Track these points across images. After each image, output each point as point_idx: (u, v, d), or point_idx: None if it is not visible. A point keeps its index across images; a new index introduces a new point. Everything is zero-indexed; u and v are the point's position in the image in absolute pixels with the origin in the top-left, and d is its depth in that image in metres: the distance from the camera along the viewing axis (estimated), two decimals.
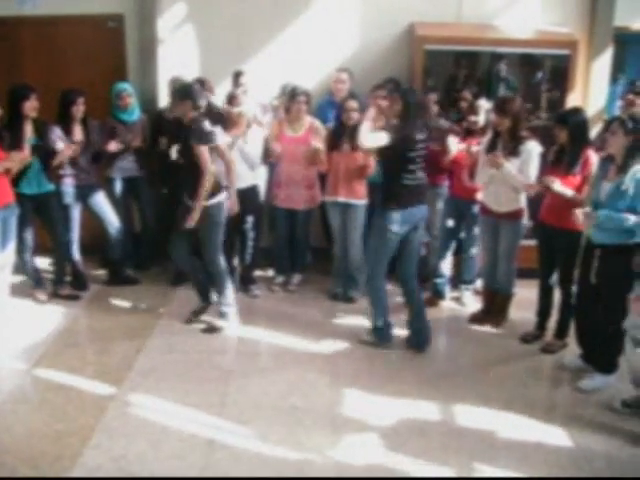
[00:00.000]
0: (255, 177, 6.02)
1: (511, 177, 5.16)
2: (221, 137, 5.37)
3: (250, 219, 6.05)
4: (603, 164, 4.64)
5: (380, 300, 5.30)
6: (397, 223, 5.00)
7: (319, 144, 5.76)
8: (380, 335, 5.32)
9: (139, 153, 6.25)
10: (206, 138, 5.19)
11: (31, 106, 5.47)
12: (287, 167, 6.01)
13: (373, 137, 4.90)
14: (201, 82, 6.05)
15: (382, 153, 5.05)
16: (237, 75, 6.27)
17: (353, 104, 5.63)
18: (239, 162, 5.77)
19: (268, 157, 6.00)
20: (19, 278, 5.93)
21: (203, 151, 5.15)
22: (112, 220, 6.15)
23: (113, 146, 6.00)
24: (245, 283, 6.25)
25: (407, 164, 4.96)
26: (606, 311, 4.61)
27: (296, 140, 5.95)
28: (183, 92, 5.24)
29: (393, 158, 4.98)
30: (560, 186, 4.84)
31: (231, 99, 5.85)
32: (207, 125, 5.23)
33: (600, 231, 4.51)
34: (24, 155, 5.32)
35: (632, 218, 4.34)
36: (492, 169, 5.20)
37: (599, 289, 4.62)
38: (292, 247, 6.33)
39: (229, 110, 5.80)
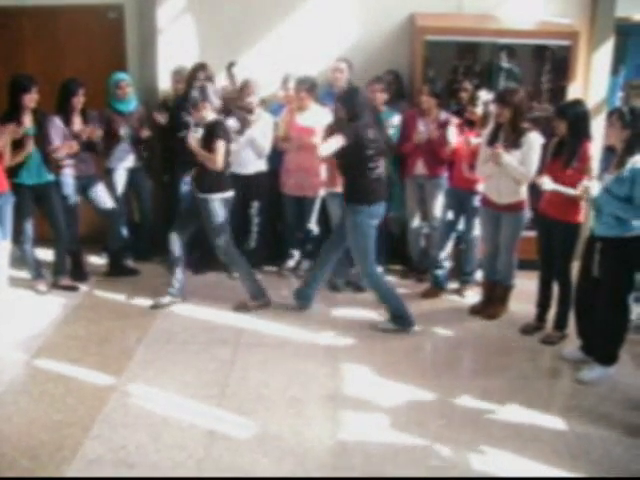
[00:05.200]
0: (262, 164, 6.09)
1: (511, 168, 5.15)
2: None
3: (255, 204, 6.15)
4: (607, 156, 4.63)
5: (387, 290, 5.43)
6: (371, 217, 5.25)
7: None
8: (403, 323, 5.39)
9: (137, 143, 6.24)
10: (227, 136, 5.46)
11: (31, 98, 5.48)
12: (296, 155, 6.03)
13: (328, 145, 5.08)
14: (202, 66, 6.15)
15: (340, 155, 5.16)
16: (230, 66, 6.28)
17: None
18: (246, 149, 5.94)
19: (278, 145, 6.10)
20: (19, 269, 5.92)
21: (221, 147, 5.35)
22: (111, 211, 6.15)
23: (88, 132, 5.88)
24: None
25: (365, 163, 5.15)
26: (606, 303, 4.61)
27: (305, 129, 5.96)
28: (200, 97, 5.36)
29: (351, 159, 5.14)
30: (550, 184, 4.83)
31: (243, 88, 5.90)
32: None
33: (601, 223, 4.51)
34: (14, 128, 5.33)
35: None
36: (493, 163, 5.20)
37: (600, 281, 4.62)
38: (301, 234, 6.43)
39: (242, 99, 5.93)
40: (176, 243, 5.62)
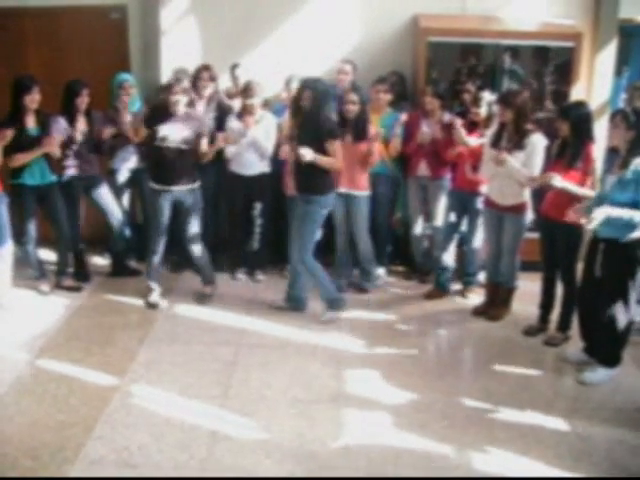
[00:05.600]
0: (265, 165, 6.08)
1: (515, 171, 5.15)
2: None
3: (258, 206, 6.16)
4: (610, 157, 4.63)
5: (323, 274, 5.58)
6: (323, 207, 5.43)
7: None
8: (339, 303, 5.58)
9: (140, 144, 6.24)
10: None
11: (32, 99, 5.47)
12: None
13: (338, 158, 5.31)
14: (206, 67, 6.15)
15: (310, 146, 5.24)
16: (233, 67, 6.29)
17: (353, 97, 5.64)
18: (249, 150, 5.96)
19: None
20: (22, 269, 5.92)
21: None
22: (115, 211, 6.15)
23: (107, 132, 5.94)
24: (250, 268, 6.35)
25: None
26: (609, 304, 4.60)
27: None
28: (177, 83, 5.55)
29: (315, 150, 5.23)
30: (560, 181, 4.82)
31: (246, 90, 5.90)
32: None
33: (605, 225, 4.50)
34: (7, 134, 5.34)
35: (636, 215, 4.33)
36: (497, 166, 5.19)
37: (603, 282, 4.62)
38: None
39: (243, 101, 5.94)
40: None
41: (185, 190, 5.59)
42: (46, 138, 5.55)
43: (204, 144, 5.62)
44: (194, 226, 5.73)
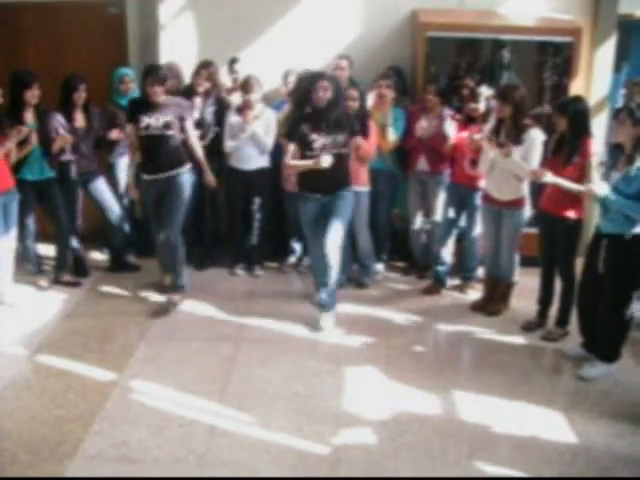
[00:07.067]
0: (264, 160, 6.09)
1: (516, 165, 5.13)
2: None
3: (257, 200, 6.16)
4: (614, 154, 4.61)
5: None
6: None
7: None
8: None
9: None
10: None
11: (32, 94, 5.47)
12: None
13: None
14: (209, 64, 6.16)
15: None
16: (232, 62, 6.28)
17: (354, 93, 5.63)
18: (248, 145, 5.96)
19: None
20: (21, 264, 5.92)
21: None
22: (113, 206, 6.15)
23: (115, 134, 5.98)
24: (249, 263, 6.34)
25: None
26: (611, 301, 4.60)
27: None
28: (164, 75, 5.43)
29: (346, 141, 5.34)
30: (551, 178, 4.81)
31: (245, 84, 5.90)
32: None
33: (608, 220, 4.50)
34: (23, 131, 5.31)
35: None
36: (493, 155, 5.18)
37: (604, 278, 4.62)
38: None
39: (243, 96, 5.94)
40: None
41: (170, 176, 5.48)
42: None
43: (189, 128, 5.55)
44: (176, 213, 5.53)
